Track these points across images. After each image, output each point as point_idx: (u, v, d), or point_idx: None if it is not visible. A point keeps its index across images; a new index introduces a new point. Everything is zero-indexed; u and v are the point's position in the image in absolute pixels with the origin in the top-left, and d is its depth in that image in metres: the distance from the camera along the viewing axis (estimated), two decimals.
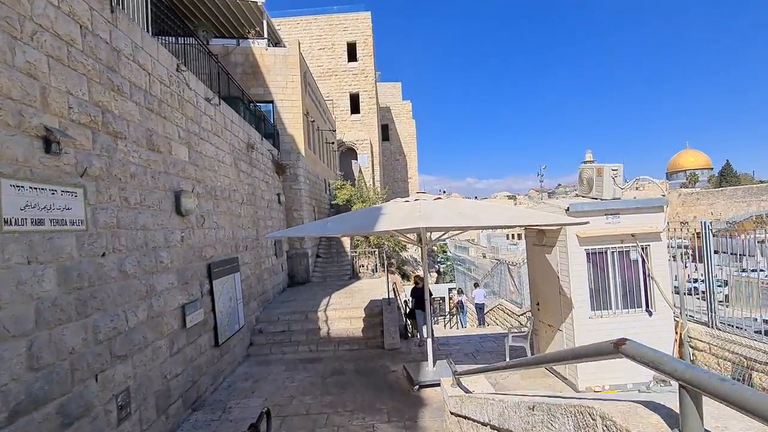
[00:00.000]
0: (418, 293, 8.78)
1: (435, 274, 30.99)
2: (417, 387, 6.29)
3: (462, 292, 17.78)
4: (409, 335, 9.69)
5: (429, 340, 6.77)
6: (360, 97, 29.97)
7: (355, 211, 8.98)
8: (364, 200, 20.44)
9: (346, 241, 16.98)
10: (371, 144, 29.44)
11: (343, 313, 9.77)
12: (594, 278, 5.96)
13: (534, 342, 7.24)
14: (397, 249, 22.22)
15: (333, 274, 15.27)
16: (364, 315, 9.68)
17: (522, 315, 11.78)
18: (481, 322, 15.56)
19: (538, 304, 7.01)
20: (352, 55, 30.00)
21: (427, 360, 7.11)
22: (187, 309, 5.94)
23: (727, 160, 67.27)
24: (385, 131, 38.24)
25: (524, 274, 12.30)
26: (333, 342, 8.90)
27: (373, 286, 13.31)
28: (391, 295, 10.09)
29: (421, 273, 28.13)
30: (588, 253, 5.93)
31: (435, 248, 41.92)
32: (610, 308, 5.96)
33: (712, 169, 69.53)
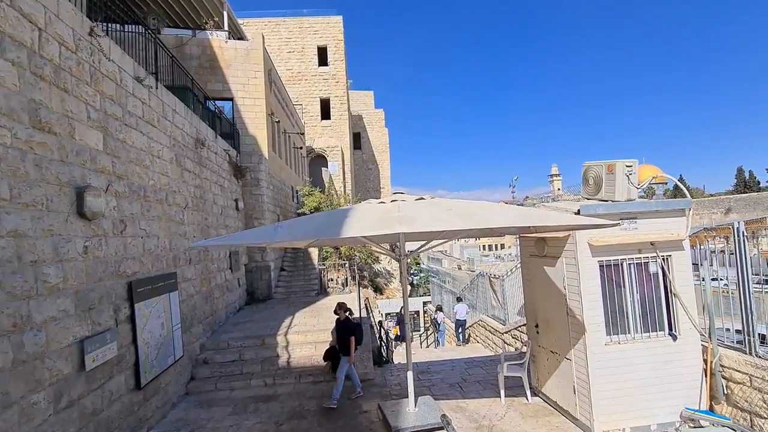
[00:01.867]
0: (343, 328, 6.48)
1: (408, 287, 29.88)
2: None
3: (441, 309, 16.65)
4: (385, 360, 8.38)
5: (409, 374, 5.51)
6: (331, 102, 28.80)
7: (316, 214, 7.54)
8: (334, 208, 19.18)
9: (314, 253, 15.55)
10: (342, 151, 28.24)
11: (307, 337, 8.36)
12: (609, 296, 4.93)
13: (532, 371, 6.13)
14: (369, 261, 20.94)
15: (298, 290, 13.77)
16: (331, 338, 8.30)
17: (506, 333, 10.76)
18: (461, 340, 14.47)
19: (537, 326, 5.93)
20: (322, 59, 28.90)
21: (407, 396, 5.84)
22: (89, 344, 4.41)
23: (681, 175, 70.72)
24: (357, 140, 37.17)
25: (508, 288, 11.34)
26: (294, 373, 7.46)
27: None
28: (363, 313, 8.79)
29: (388, 290, 26.81)
30: (602, 266, 4.91)
31: (409, 260, 41.00)
32: (628, 332, 4.93)
33: (666, 183, 72.89)
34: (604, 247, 4.86)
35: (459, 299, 15.47)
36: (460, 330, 14.57)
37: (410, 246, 6.02)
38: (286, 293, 13.57)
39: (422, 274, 42.36)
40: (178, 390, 6.77)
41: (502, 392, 5.99)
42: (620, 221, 4.90)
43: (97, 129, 5.09)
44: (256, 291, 12.89)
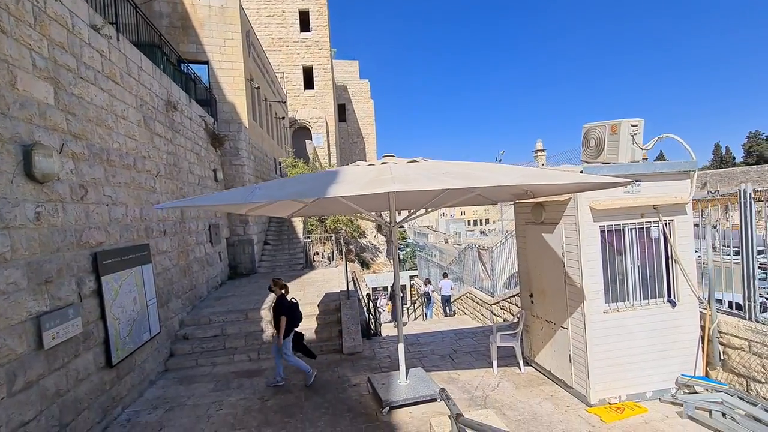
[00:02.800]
0: (275, 307, 5.78)
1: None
2: (386, 409, 4.79)
3: (430, 282, 16.59)
4: (373, 333, 8.19)
5: (400, 346, 5.28)
6: (314, 71, 27.61)
7: (300, 175, 6.91)
8: None
9: (299, 226, 15.12)
10: (327, 123, 27.34)
11: None
12: (609, 262, 4.72)
13: (524, 341, 5.98)
14: (355, 235, 20.64)
15: (283, 264, 13.40)
16: (318, 312, 8.04)
17: (495, 304, 10.70)
18: (447, 314, 14.51)
19: (531, 295, 5.73)
20: (304, 24, 27.46)
21: (398, 369, 5.64)
22: (47, 321, 3.98)
23: (661, 151, 71.87)
24: (342, 112, 36.09)
25: (497, 260, 11.23)
26: None
27: (329, 276, 11.66)
28: (351, 287, 8.52)
29: (362, 262, 26.69)
30: (603, 231, 4.66)
31: None
32: (627, 299, 4.76)
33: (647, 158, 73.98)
34: (607, 211, 4.60)
35: (445, 275, 15.41)
36: (446, 305, 14.61)
37: (400, 221, 5.66)
38: (271, 267, 13.19)
39: (408, 249, 42.49)
40: (156, 367, 6.43)
41: (495, 363, 5.84)
42: (638, 180, 4.63)
43: (46, 80, 4.46)
44: (239, 265, 12.46)
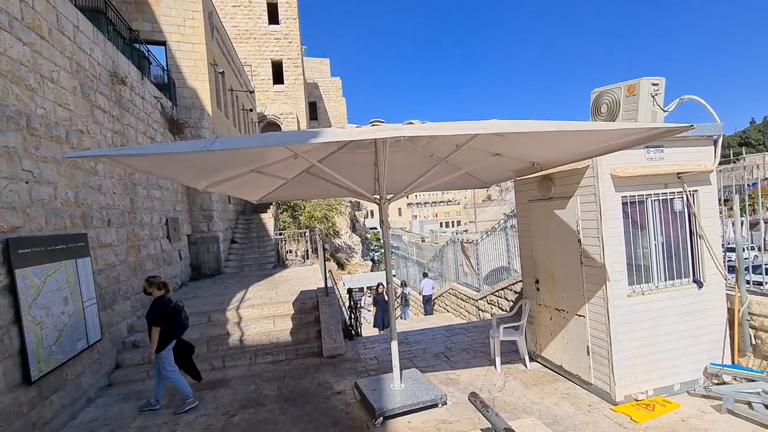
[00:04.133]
0: (162, 312, 4.56)
1: (369, 262, 29.08)
2: (380, 420, 4.00)
3: (406, 284, 15.94)
4: (354, 333, 7.35)
5: (394, 343, 4.50)
6: (284, 65, 26.48)
7: (279, 132, 5.64)
8: None
9: (269, 223, 14.06)
10: (297, 118, 26.24)
11: (263, 311, 7.10)
12: (633, 239, 4.15)
13: (528, 334, 5.35)
14: (330, 233, 19.71)
15: (253, 263, 12.32)
16: (293, 311, 7.13)
17: (481, 299, 10.14)
18: (428, 313, 13.91)
19: (537, 282, 5.11)
20: (273, 16, 26.30)
21: (388, 372, 4.86)
22: None
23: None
24: (314, 110, 35.03)
25: (482, 253, 10.69)
26: (248, 352, 6.22)
27: (304, 274, 10.72)
28: (329, 284, 7.67)
29: (352, 263, 25.87)
30: (625, 203, 4.09)
31: (369, 235, 40.01)
32: (651, 280, 4.21)
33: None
34: (630, 179, 4.03)
35: (425, 274, 14.89)
36: (427, 305, 14.09)
37: (390, 198, 4.89)
38: (239, 267, 12.07)
39: (383, 250, 41.80)
40: (96, 382, 5.32)
41: (498, 360, 5.17)
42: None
43: None
44: (202, 265, 11.28)
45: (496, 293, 9.29)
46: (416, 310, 16.06)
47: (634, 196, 4.12)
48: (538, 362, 5.24)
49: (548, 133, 2.97)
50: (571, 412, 4.00)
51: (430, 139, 4.40)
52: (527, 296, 5.39)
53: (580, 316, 4.39)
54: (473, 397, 2.89)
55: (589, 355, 4.28)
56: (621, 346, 3.98)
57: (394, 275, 22.35)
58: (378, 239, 45.34)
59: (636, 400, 4.02)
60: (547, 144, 3.69)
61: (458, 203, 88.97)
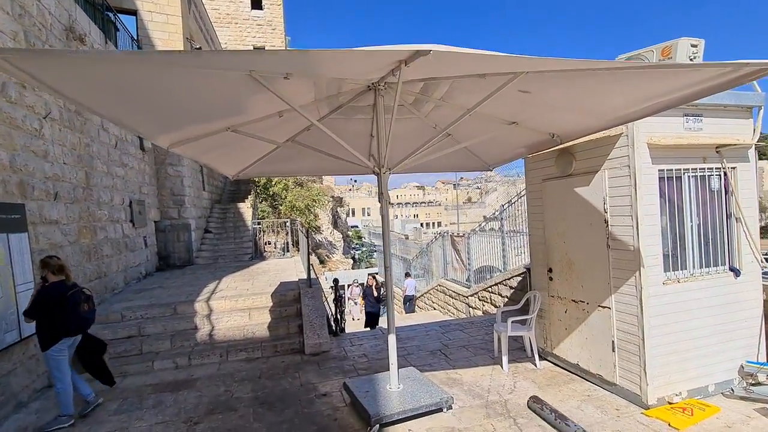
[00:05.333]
0: (53, 300, 3.62)
1: (350, 260, 28.39)
2: (375, 428, 3.34)
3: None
4: (341, 330, 6.66)
5: (391, 337, 3.84)
6: None
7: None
8: (285, 182, 16.23)
9: (247, 213, 13.17)
10: None
11: (237, 303, 6.33)
12: (669, 220, 3.65)
13: (538, 330, 4.80)
14: (312, 226, 18.89)
15: (228, 254, 11.43)
16: (271, 304, 6.38)
17: (472, 296, 9.62)
18: (409, 311, 13.41)
19: (550, 271, 4.57)
20: (256, 2, 25.24)
21: (381, 371, 4.21)
22: None
23: None
24: None
25: (474, 247, 10.19)
26: (219, 349, 5.45)
27: (284, 266, 9.95)
28: (313, 275, 6.96)
29: (336, 259, 25.18)
30: (661, 178, 3.59)
31: (350, 233, 39.21)
32: (686, 267, 3.72)
33: None
34: (667, 150, 3.53)
35: (407, 274, 14.47)
36: (407, 304, 13.67)
37: (394, 166, 4.23)
38: (212, 258, 11.16)
39: (364, 249, 41.13)
40: (31, 382, 4.44)
41: (505, 359, 4.59)
42: (685, 116, 3.60)
43: None
44: (171, 255, 10.33)
45: (489, 289, 8.78)
46: (397, 309, 15.51)
47: (671, 170, 3.61)
48: (549, 360, 4.70)
49: (610, 77, 2.39)
50: (598, 417, 3.46)
51: (439, 102, 3.79)
52: (537, 287, 4.85)
53: (603, 307, 3.85)
54: (537, 403, 2.27)
55: (614, 351, 3.75)
56: (655, 341, 3.47)
57: (376, 273, 21.76)
58: (360, 237, 44.70)
59: (670, 403, 3.51)
60: (586, 101, 3.13)
61: (440, 204, 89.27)
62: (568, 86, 2.94)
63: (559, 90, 3.07)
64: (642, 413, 3.44)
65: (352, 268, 25.61)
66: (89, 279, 6.09)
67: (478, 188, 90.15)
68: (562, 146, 4.10)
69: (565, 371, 4.42)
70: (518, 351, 5.04)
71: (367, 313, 9.26)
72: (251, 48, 25.23)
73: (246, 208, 13.63)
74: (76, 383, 3.94)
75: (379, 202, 3.91)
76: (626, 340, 3.64)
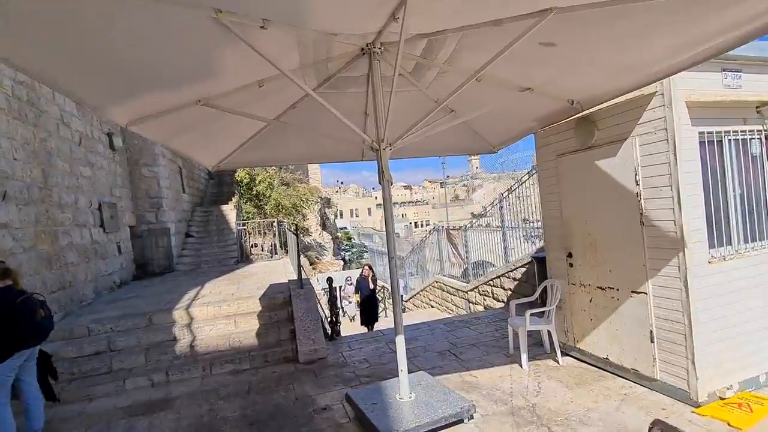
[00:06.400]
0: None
1: (341, 261, 27.80)
2: None
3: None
4: (337, 333, 6.10)
5: (399, 338, 3.32)
6: None
7: None
8: (269, 181, 15.18)
9: (231, 215, 12.48)
10: None
11: (221, 309, 5.72)
12: (712, 191, 3.21)
13: (558, 323, 4.33)
14: (300, 227, 18.22)
15: (211, 258, 10.74)
16: (260, 308, 5.79)
17: (472, 290, 9.17)
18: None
19: (569, 255, 4.11)
20: None
21: (386, 378, 3.68)
22: None
23: None
24: None
25: (471, 239, 9.76)
26: (201, 361, 4.84)
27: (272, 269, 9.34)
28: (304, 276, 6.39)
29: (327, 260, 24.64)
30: (702, 142, 3.15)
31: (339, 235, 38.51)
32: (731, 243, 3.29)
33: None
34: (707, 108, 3.10)
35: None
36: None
37: (395, 142, 3.70)
38: (195, 264, 10.46)
39: (354, 250, 40.50)
40: None
41: (524, 356, 4.10)
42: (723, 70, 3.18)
43: None
44: (149, 262, 9.60)
45: (490, 282, 8.35)
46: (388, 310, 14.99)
47: (711, 133, 3.19)
48: (572, 356, 4.24)
49: None
50: (641, 419, 2.99)
51: (444, 67, 3.29)
52: (554, 275, 4.38)
53: (638, 293, 3.40)
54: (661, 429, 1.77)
55: (653, 342, 3.30)
56: (703, 328, 3.02)
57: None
58: (349, 238, 44.07)
59: (721, 398, 3.07)
60: (620, 52, 2.65)
61: (427, 203, 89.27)
62: (601, 33, 2.47)
63: (589, 39, 2.59)
64: (693, 412, 2.99)
65: (343, 269, 25.06)
66: (50, 290, 5.41)
67: (464, 186, 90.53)
68: (580, 115, 3.63)
69: (593, 367, 3.96)
70: (535, 347, 4.57)
71: (363, 310, 8.45)
72: None
73: (230, 210, 12.93)
74: (32, 411, 3.31)
75: (380, 182, 3.38)
76: (668, 329, 3.18)
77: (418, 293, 13.18)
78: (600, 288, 3.79)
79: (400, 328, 3.35)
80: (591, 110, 3.54)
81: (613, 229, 3.59)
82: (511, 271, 7.56)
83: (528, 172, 7.31)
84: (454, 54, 3.17)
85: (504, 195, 8.34)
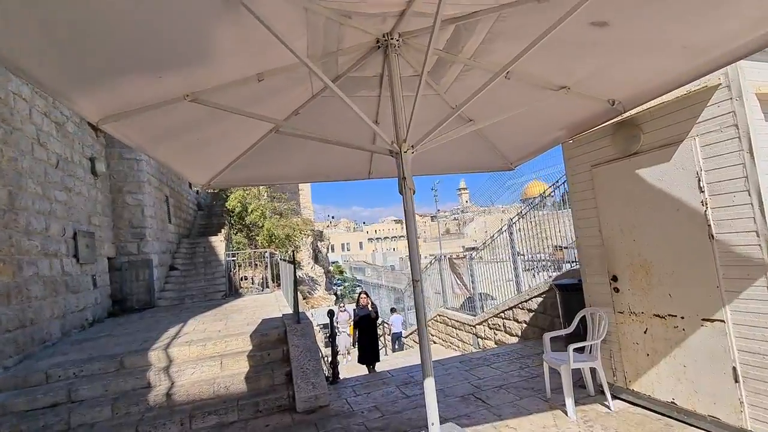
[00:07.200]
0: None
1: (333, 296, 26.78)
2: None
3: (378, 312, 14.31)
4: (336, 376, 5.32)
5: (429, 383, 2.66)
6: None
7: None
8: (262, 210, 14.49)
9: (220, 246, 11.77)
10: None
11: (206, 349, 4.97)
12: None
13: (603, 360, 3.70)
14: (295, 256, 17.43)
15: (197, 293, 9.91)
16: (250, 347, 5.05)
17: (481, 323, 8.50)
18: (395, 350, 12.36)
19: (614, 279, 3.56)
20: None
21: (419, 430, 2.99)
22: None
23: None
24: None
25: (477, 269, 9.19)
26: (180, 413, 4.04)
27: (264, 302, 8.58)
28: (300, 309, 5.70)
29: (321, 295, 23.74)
30: None
31: (331, 269, 37.51)
32: None
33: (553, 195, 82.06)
34: None
35: (393, 310, 13.57)
36: (395, 342, 12.65)
37: (417, 143, 3.21)
38: (178, 298, 9.61)
39: (347, 284, 39.38)
40: None
41: (569, 401, 3.44)
42: None
43: None
44: (128, 297, 8.77)
45: (502, 314, 7.71)
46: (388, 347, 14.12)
47: None
48: (623, 399, 3.59)
49: None
50: None
51: (469, 62, 2.87)
52: (594, 303, 3.81)
53: (711, 320, 2.84)
54: None
55: (737, 382, 2.71)
56: None
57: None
58: (341, 272, 43.02)
59: None
60: (686, 29, 2.25)
61: (419, 237, 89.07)
62: (664, 4, 2.06)
63: (649, 15, 2.19)
64: None
65: (335, 304, 24.06)
66: (6, 328, 4.63)
67: (455, 219, 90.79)
68: (619, 118, 3.22)
69: (654, 413, 3.31)
70: (576, 388, 3.88)
71: (362, 346, 7.38)
72: None
73: (219, 241, 12.22)
74: None
75: (400, 192, 2.83)
76: (758, 365, 2.60)
77: (404, 338, 12.46)
78: (658, 316, 3.22)
79: (429, 368, 2.69)
80: (633, 112, 3.13)
81: (671, 245, 3.08)
82: (526, 301, 6.96)
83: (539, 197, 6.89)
84: (482, 46, 2.75)
85: (513, 220, 7.88)
